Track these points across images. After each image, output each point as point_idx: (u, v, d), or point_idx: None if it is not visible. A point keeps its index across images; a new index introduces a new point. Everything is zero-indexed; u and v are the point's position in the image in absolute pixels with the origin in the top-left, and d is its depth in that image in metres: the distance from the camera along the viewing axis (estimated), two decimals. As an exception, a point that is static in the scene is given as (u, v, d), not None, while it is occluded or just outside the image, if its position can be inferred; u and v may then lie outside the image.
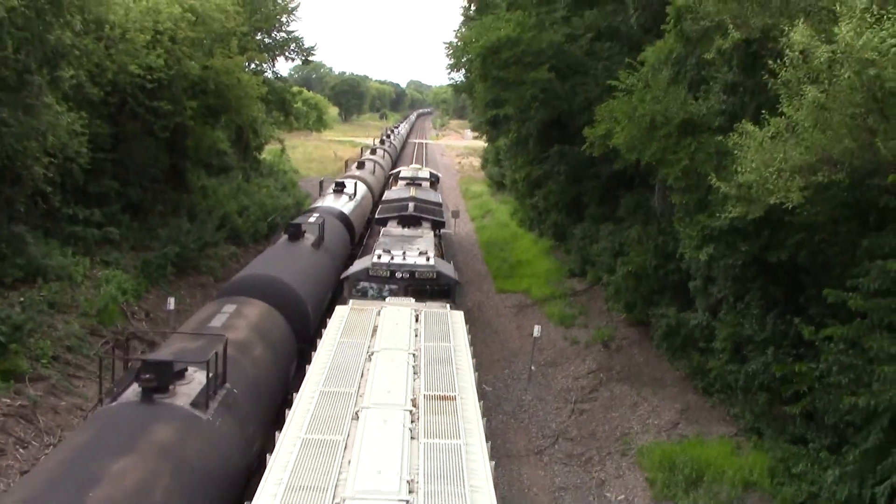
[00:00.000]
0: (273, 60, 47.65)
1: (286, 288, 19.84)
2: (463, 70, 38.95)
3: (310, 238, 25.25)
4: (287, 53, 47.66)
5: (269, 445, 11.29)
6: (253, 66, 41.95)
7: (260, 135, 50.55)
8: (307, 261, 23.54)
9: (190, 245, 30.08)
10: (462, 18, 43.75)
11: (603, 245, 29.18)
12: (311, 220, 28.39)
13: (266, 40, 45.41)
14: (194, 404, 12.06)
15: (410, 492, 9.25)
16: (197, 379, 12.60)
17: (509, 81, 29.31)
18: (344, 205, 34.82)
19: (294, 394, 12.64)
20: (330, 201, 35.09)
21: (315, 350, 14.65)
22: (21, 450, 15.96)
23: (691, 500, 16.48)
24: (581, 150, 25.15)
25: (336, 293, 22.98)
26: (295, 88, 56.27)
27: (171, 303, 23.38)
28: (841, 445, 15.48)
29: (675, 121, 18.03)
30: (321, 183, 43.61)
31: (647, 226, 25.39)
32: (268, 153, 57.00)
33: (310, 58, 50.79)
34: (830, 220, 15.94)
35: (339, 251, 28.17)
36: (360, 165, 49.02)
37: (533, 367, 24.81)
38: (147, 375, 11.73)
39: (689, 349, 21.94)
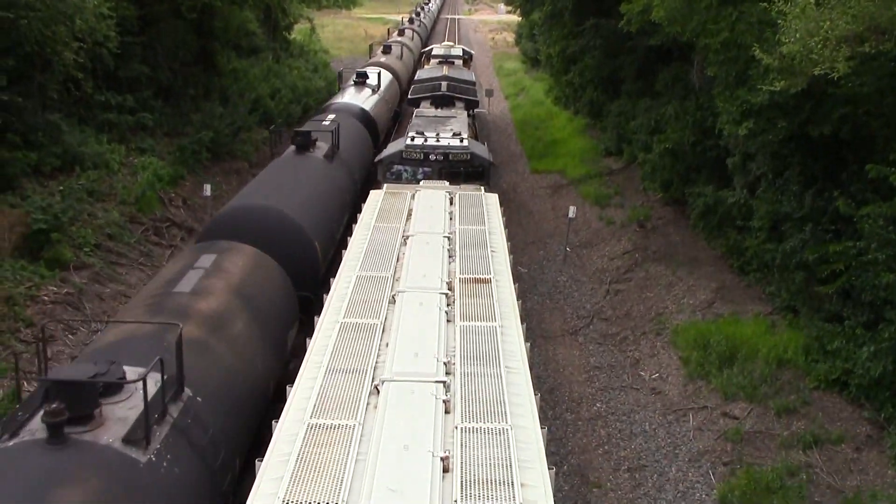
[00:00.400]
0: (298, -65, 46.21)
1: (286, 222, 16.11)
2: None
3: (322, 147, 21.31)
4: (313, -73, 46.11)
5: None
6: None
7: (289, 14, 49.47)
8: (317, 179, 19.63)
9: (223, 130, 30.06)
10: None
11: (639, 122, 28.62)
12: (326, 122, 24.36)
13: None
14: (129, 440, 8.14)
15: (447, 373, 9.43)
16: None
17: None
18: (365, 100, 30.58)
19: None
20: (349, 96, 30.89)
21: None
22: (70, 336, 16.50)
23: (724, 377, 16.64)
24: (618, 25, 24.35)
25: (355, 213, 18.71)
26: (323, -36, 54.84)
27: (208, 189, 23.58)
28: (877, 323, 15.42)
29: (716, -10, 17.28)
30: (339, 74, 38.34)
31: (684, 101, 24.78)
32: (297, 33, 55.95)
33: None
34: (876, 92, 15.38)
35: (358, 159, 24.36)
36: (386, 50, 44.29)
37: (568, 249, 24.84)
38: (55, 405, 7.72)
39: (725, 228, 21.73)
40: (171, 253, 21.81)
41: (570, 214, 24.33)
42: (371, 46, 51.90)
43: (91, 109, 25.29)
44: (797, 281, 17.75)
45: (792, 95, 15.25)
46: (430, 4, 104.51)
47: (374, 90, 32.25)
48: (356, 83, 32.62)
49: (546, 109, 44.47)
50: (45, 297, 17.16)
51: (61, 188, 20.69)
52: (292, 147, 21.04)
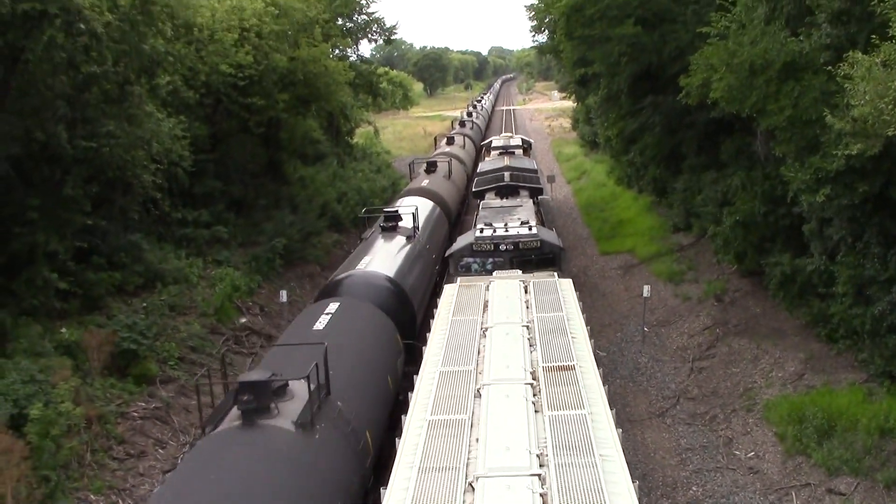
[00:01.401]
0: (356, 44, 47.98)
1: None
2: (546, 31, 38.41)
3: (295, 400, 11.64)
4: (369, 35, 47.89)
5: None
6: (337, 51, 42.34)
7: (350, 119, 51.10)
8: (273, 480, 10.23)
9: (294, 236, 30.80)
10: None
11: (707, 195, 28.43)
12: (318, 326, 15.50)
13: (348, 24, 45.73)
14: None
15: (541, 465, 9.26)
16: None
17: (595, 39, 28.73)
18: (394, 257, 21.33)
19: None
20: (371, 258, 20.78)
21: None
22: (160, 450, 16.75)
23: (825, 451, 15.99)
24: (676, 99, 24.48)
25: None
26: (380, 69, 56.57)
27: (284, 295, 24.04)
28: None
29: (775, 65, 17.24)
30: (364, 218, 27.66)
31: (751, 171, 24.58)
32: (359, 136, 57.56)
33: (392, 37, 50.83)
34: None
35: (373, 401, 14.42)
36: (430, 168, 36.57)
37: (646, 328, 24.48)
38: None
39: (807, 296, 21.20)
40: (252, 360, 22.15)
41: (645, 293, 24.08)
42: (411, 165, 42.65)
43: (169, 227, 26.24)
44: (891, 345, 17.17)
45: (869, 158, 14.99)
46: (484, 101, 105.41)
47: (411, 237, 23.46)
48: (384, 229, 23.74)
49: (609, 191, 44.57)
50: (135, 413, 17.50)
51: (145, 305, 21.32)
52: (235, 412, 11.25)
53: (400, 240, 22.90)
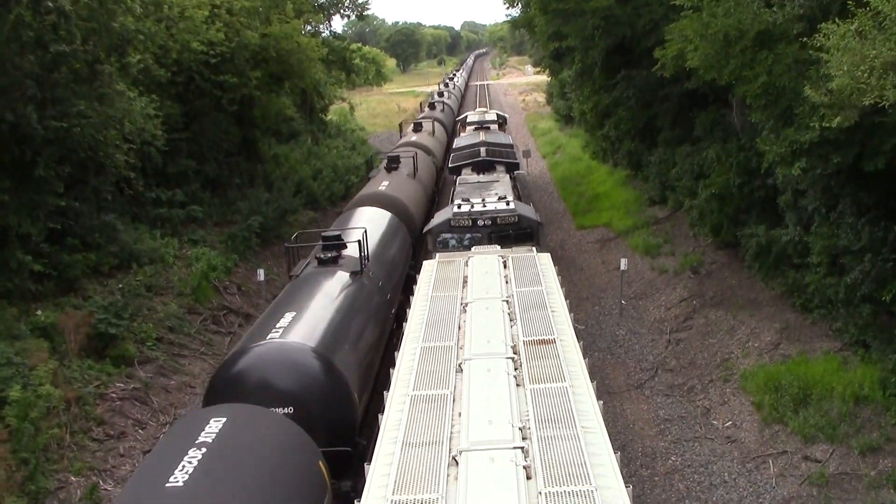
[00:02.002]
0: (329, 20, 47.55)
1: None
2: (520, 5, 38.27)
3: None
4: (342, 11, 47.49)
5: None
6: (309, 27, 41.91)
7: (324, 96, 50.68)
8: None
9: (270, 214, 30.63)
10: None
11: (682, 168, 28.57)
12: (176, 480, 8.77)
13: (319, 0, 45.26)
14: None
15: (524, 438, 9.30)
16: None
17: (569, 12, 28.67)
18: (329, 309, 15.14)
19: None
20: (299, 312, 14.50)
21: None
22: (140, 430, 16.69)
23: (801, 419, 16.24)
24: (651, 71, 24.48)
25: None
26: (353, 46, 55.87)
27: (261, 274, 23.89)
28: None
29: (749, 34, 17.29)
30: (289, 250, 19.59)
31: (726, 144, 24.73)
32: (333, 113, 57.16)
33: (364, 12, 50.44)
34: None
35: None
36: (391, 166, 30.28)
37: (623, 301, 24.63)
38: None
39: (782, 266, 21.42)
40: (230, 340, 22.06)
41: (622, 267, 24.19)
42: (369, 162, 37.93)
43: (143, 207, 25.94)
44: (864, 314, 17.38)
45: (843, 129, 15.05)
46: (456, 77, 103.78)
47: (357, 272, 17.18)
48: (321, 262, 17.57)
49: (585, 165, 44.65)
50: (114, 395, 17.41)
51: (121, 286, 21.13)
52: None
53: (341, 278, 16.73)
